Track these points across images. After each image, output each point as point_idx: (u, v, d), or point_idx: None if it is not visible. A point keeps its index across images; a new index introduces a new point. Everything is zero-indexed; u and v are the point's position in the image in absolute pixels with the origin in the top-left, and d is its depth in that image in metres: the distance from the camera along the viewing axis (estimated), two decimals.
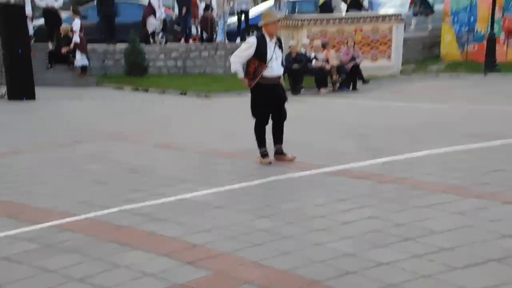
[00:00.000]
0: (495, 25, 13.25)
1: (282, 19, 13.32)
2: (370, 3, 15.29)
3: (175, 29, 15.07)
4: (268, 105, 5.27)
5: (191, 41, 14.70)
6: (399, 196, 4.14)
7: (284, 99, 5.38)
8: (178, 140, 6.62)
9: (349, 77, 11.55)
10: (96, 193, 4.44)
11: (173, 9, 17.16)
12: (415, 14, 15.39)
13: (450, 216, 3.67)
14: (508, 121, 6.97)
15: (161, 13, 13.92)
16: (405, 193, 4.22)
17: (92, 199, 4.28)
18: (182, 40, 14.71)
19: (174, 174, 5.01)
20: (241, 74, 5.23)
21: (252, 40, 5.24)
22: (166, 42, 14.57)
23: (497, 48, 13.17)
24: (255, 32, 15.31)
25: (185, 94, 11.33)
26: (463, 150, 5.55)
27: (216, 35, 14.97)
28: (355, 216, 3.77)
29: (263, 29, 5.20)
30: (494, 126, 6.71)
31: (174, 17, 15.12)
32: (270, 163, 5.34)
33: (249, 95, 5.42)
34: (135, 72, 13.00)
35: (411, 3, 15.46)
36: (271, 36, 5.18)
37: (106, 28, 13.71)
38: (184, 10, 14.16)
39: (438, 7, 16.08)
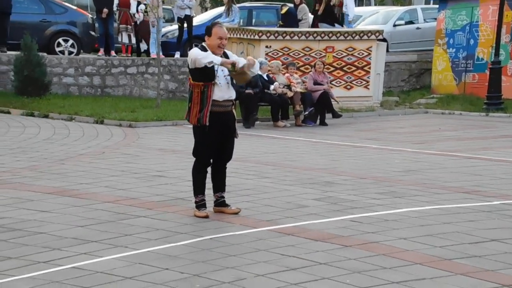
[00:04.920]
0: (501, 51, 13.90)
1: (234, 31, 13.67)
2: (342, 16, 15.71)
3: (91, 35, 14.98)
4: (216, 141, 5.35)
5: (113, 52, 14.66)
6: (366, 267, 4.23)
7: (234, 134, 5.48)
8: (79, 185, 6.51)
9: (317, 109, 11.87)
10: None
11: (89, 9, 17.14)
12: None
13: None
14: None
15: None
16: (375, 263, 4.32)
17: None
18: (101, 51, 14.64)
19: (70, 232, 4.91)
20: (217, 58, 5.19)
21: (195, 48, 5.33)
22: (78, 53, 14.46)
23: (503, 80, 13.75)
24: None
25: (101, 122, 11.19)
26: (450, 210, 5.77)
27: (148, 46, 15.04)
28: None
29: (206, 42, 5.34)
30: (492, 181, 7.02)
31: (90, 19, 15.04)
32: (207, 216, 5.36)
33: (189, 125, 5.54)
34: (31, 90, 12.61)
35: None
36: (214, 52, 5.31)
37: None
38: (104, 12, 14.13)
39: (429, 24, 17.02)
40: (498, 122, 12.51)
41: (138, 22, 14.79)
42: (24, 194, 6.10)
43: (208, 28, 5.36)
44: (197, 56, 5.20)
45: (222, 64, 5.23)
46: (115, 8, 14.72)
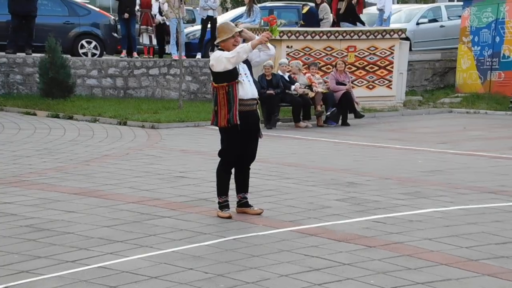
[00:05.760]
0: None
1: (255, 31, 13.71)
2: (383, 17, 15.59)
3: (114, 37, 15.15)
4: (242, 141, 5.40)
5: (135, 54, 14.82)
6: (390, 268, 4.23)
7: (259, 133, 5.53)
8: (104, 185, 6.63)
9: (339, 109, 11.86)
10: None
11: (111, 10, 17.31)
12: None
13: None
14: None
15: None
16: (399, 263, 4.32)
17: None
18: (124, 52, 14.81)
19: (96, 232, 5.01)
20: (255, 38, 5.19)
21: (218, 51, 5.36)
22: (101, 54, 14.64)
23: None
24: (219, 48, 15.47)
25: (125, 123, 11.32)
26: (476, 210, 5.73)
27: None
28: None
29: (221, 44, 5.38)
30: None
31: (112, 21, 15.21)
32: (229, 217, 5.41)
33: (210, 126, 5.55)
34: (55, 92, 12.76)
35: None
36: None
37: (15, 30, 13.36)
38: (126, 13, 14.28)
39: (454, 22, 16.86)
40: None
41: (167, 23, 14.84)
42: (51, 194, 6.23)
43: (219, 31, 5.39)
44: (234, 56, 5.14)
45: (254, 46, 5.15)
46: (137, 9, 14.84)
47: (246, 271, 4.17)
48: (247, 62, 5.44)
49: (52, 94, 12.78)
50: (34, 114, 11.98)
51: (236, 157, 5.48)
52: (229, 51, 5.30)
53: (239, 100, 5.30)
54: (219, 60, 5.26)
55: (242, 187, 5.62)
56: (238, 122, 5.28)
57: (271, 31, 5.34)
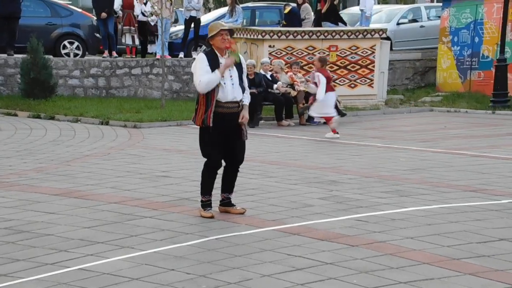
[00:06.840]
0: (507, 48, 13.78)
1: (237, 31, 13.64)
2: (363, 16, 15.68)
3: (96, 37, 14.97)
4: (221, 141, 5.34)
5: (115, 53, 14.62)
6: (373, 267, 4.19)
7: (244, 135, 5.47)
8: (85, 186, 6.51)
9: None
10: None
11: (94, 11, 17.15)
12: None
13: None
14: None
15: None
16: (382, 262, 4.28)
17: None
18: (106, 52, 14.63)
19: (76, 233, 4.92)
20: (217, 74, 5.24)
21: (200, 56, 5.38)
22: (83, 55, 14.45)
23: (509, 77, 13.66)
24: (203, 47, 15.56)
25: (107, 123, 11.17)
26: (458, 208, 5.72)
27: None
28: None
29: (211, 43, 5.40)
30: (500, 179, 6.95)
31: (94, 21, 15.04)
32: (212, 216, 5.35)
33: (193, 125, 5.60)
34: (37, 92, 12.57)
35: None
36: (221, 51, 5.33)
37: None
38: (104, 13, 14.07)
39: (433, 23, 16.96)
40: (505, 120, 12.43)
41: (151, 23, 14.68)
42: (31, 196, 6.10)
43: (208, 30, 5.42)
44: (203, 85, 5.20)
45: (223, 71, 5.26)
46: (118, 8, 14.67)
47: (229, 271, 4.10)
48: (238, 66, 5.41)
49: (33, 95, 12.60)
50: (15, 115, 11.81)
51: (217, 157, 5.40)
52: (218, 47, 5.32)
53: (217, 102, 5.28)
54: (195, 75, 5.32)
55: (227, 188, 5.57)
56: (211, 124, 5.25)
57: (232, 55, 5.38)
